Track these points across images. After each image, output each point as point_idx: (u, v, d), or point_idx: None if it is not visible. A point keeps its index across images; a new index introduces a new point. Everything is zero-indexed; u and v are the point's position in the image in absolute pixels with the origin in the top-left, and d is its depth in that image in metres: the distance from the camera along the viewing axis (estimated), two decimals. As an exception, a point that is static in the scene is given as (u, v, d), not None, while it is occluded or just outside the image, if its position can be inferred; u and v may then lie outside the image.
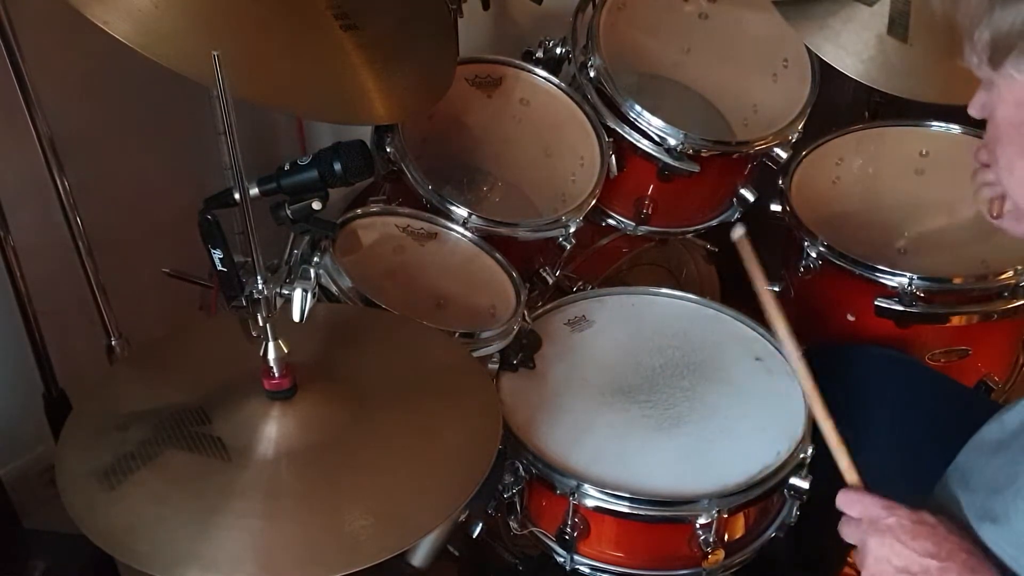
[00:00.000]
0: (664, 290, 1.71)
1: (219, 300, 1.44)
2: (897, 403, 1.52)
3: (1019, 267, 1.59)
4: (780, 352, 1.56)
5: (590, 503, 1.36)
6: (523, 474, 1.41)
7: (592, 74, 1.75)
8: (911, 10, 1.63)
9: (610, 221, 1.87)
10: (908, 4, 1.63)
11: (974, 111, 1.06)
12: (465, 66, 1.76)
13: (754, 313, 1.67)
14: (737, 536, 1.44)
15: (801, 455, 1.41)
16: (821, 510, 1.21)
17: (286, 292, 1.11)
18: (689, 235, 1.97)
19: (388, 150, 1.62)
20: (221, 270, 1.14)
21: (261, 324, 1.10)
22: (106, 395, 1.23)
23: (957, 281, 1.61)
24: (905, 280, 1.61)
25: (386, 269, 1.56)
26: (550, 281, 1.71)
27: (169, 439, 1.11)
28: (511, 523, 1.47)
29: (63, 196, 1.41)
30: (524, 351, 1.52)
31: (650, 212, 1.82)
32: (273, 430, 1.12)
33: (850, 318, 1.72)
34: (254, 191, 1.16)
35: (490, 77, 1.80)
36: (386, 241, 1.58)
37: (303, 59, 1.37)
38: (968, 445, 1.23)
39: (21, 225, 1.47)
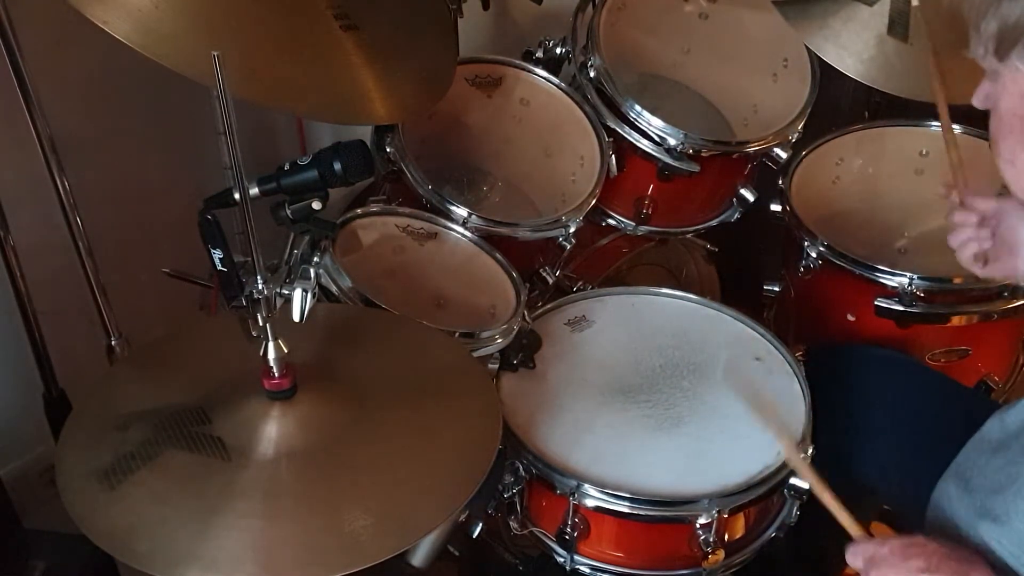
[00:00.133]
0: (664, 290, 1.71)
1: (219, 300, 1.44)
2: (897, 403, 1.52)
3: (1019, 267, 1.59)
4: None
5: (590, 503, 1.36)
6: (523, 474, 1.41)
7: (592, 74, 1.75)
8: (911, 10, 1.63)
9: (610, 221, 1.87)
10: (908, 4, 1.63)
11: (977, 102, 1.06)
12: (465, 66, 1.76)
13: (754, 313, 1.68)
14: (737, 536, 1.44)
15: (801, 455, 1.41)
16: (821, 510, 1.21)
17: (286, 292, 1.11)
18: (689, 235, 1.97)
19: (388, 150, 1.62)
20: (221, 270, 1.14)
21: (261, 324, 1.10)
22: (106, 395, 1.23)
23: (957, 281, 1.61)
24: (905, 280, 1.61)
25: (386, 269, 1.56)
26: (550, 281, 1.71)
27: (169, 439, 1.11)
28: (511, 523, 1.47)
29: (63, 196, 1.41)
30: (524, 351, 1.52)
31: (650, 212, 1.82)
32: (273, 430, 1.12)
33: (850, 318, 1.72)
34: (254, 191, 1.16)
35: (490, 77, 1.80)
36: (386, 241, 1.58)
37: (303, 59, 1.37)
38: (968, 444, 1.23)
39: (21, 225, 1.47)
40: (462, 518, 1.36)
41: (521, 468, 1.41)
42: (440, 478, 1.13)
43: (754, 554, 1.46)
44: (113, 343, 1.51)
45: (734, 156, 1.80)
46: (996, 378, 1.74)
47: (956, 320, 1.63)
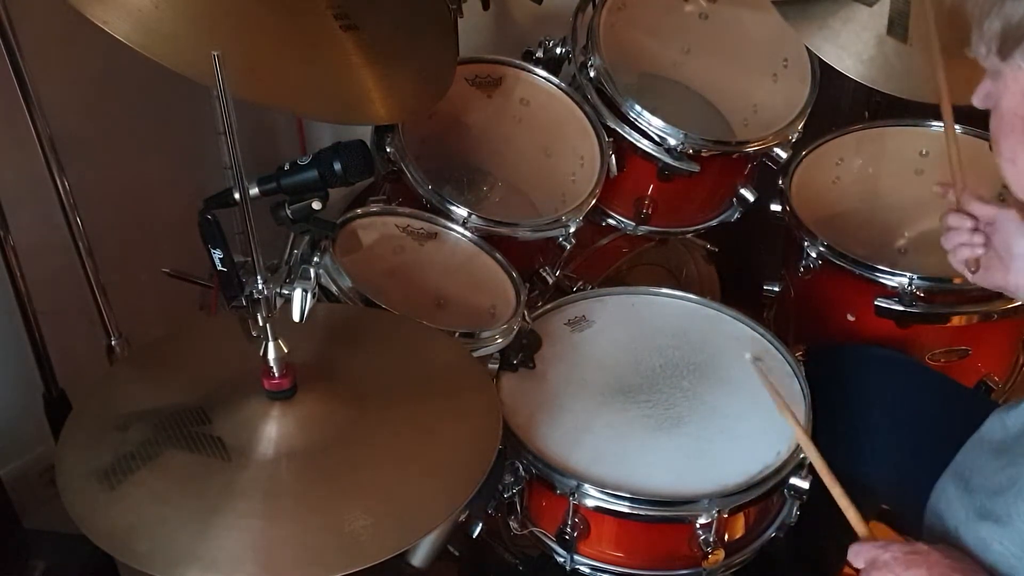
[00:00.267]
0: (664, 290, 1.71)
1: (219, 300, 1.44)
2: (897, 403, 1.52)
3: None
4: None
5: (590, 503, 1.36)
6: (523, 474, 1.41)
7: (592, 74, 1.75)
8: (911, 10, 1.63)
9: (610, 221, 1.87)
10: (908, 4, 1.63)
11: (977, 101, 1.06)
12: (465, 66, 1.76)
13: (754, 313, 1.68)
14: (737, 536, 1.44)
15: (801, 455, 1.41)
16: (821, 510, 1.21)
17: (286, 292, 1.11)
18: (689, 235, 1.97)
19: (388, 150, 1.62)
20: (221, 270, 1.14)
21: (261, 324, 1.10)
22: (106, 395, 1.23)
23: (957, 281, 1.61)
24: (905, 280, 1.61)
25: (386, 269, 1.56)
26: (550, 281, 1.71)
27: (169, 439, 1.11)
28: (511, 523, 1.47)
29: (63, 196, 1.41)
30: (524, 351, 1.52)
31: (650, 212, 1.82)
32: (273, 430, 1.12)
33: (850, 318, 1.72)
34: (254, 191, 1.16)
35: (490, 77, 1.80)
36: (386, 241, 1.58)
37: (303, 59, 1.37)
38: (968, 444, 1.23)
39: (21, 225, 1.47)
40: (462, 518, 1.36)
41: (521, 468, 1.41)
42: (440, 478, 1.13)
43: (754, 554, 1.46)
44: (113, 343, 1.51)
45: (734, 156, 1.80)
46: (996, 378, 1.74)
47: (956, 320, 1.63)
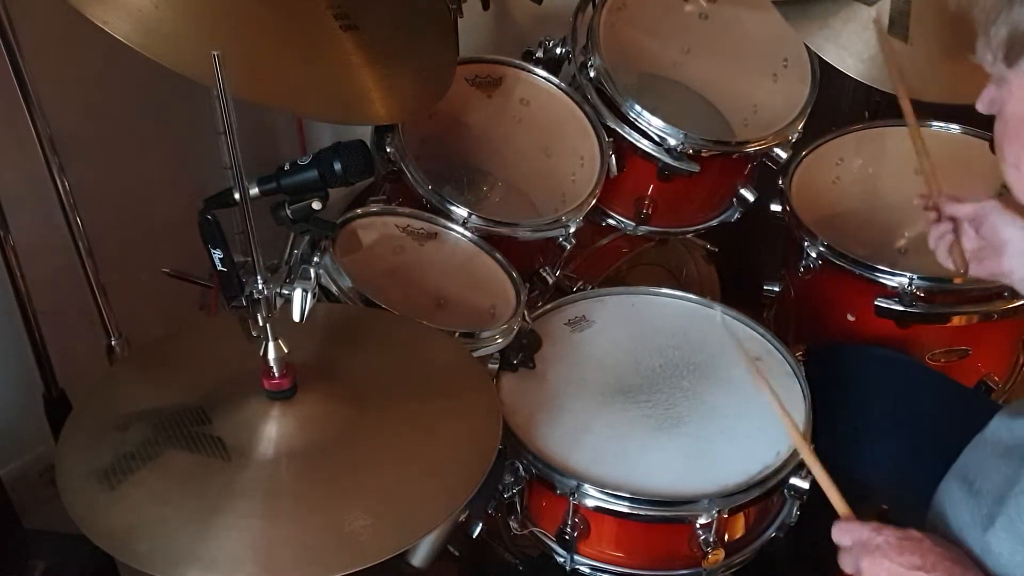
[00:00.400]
0: (664, 290, 1.71)
1: (219, 300, 1.44)
2: (897, 403, 1.52)
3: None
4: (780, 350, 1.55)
5: (590, 503, 1.36)
6: (523, 474, 1.41)
7: (592, 74, 1.75)
8: (911, 10, 1.63)
9: (610, 221, 1.87)
10: (908, 4, 1.63)
11: (982, 107, 1.06)
12: (465, 66, 1.76)
13: (754, 313, 1.68)
14: (737, 536, 1.44)
15: (801, 455, 1.41)
16: (821, 510, 1.21)
17: (286, 292, 1.11)
18: (689, 235, 1.97)
19: (388, 150, 1.62)
20: (221, 270, 1.14)
21: (261, 324, 1.10)
22: (106, 395, 1.23)
23: (957, 281, 1.61)
24: (905, 280, 1.61)
25: (386, 269, 1.56)
26: (550, 281, 1.71)
27: (169, 439, 1.11)
28: (511, 523, 1.47)
29: (63, 196, 1.41)
30: (524, 351, 1.52)
31: (650, 212, 1.82)
32: (273, 430, 1.12)
33: (850, 318, 1.72)
34: (254, 191, 1.16)
35: (490, 77, 1.80)
36: (386, 241, 1.58)
37: (303, 59, 1.37)
38: (973, 445, 1.22)
39: (21, 225, 1.47)
40: (462, 518, 1.36)
41: (521, 468, 1.41)
42: (440, 478, 1.13)
43: (754, 554, 1.46)
44: (113, 343, 1.51)
45: (734, 156, 1.80)
46: (996, 378, 1.74)
47: (956, 320, 1.63)
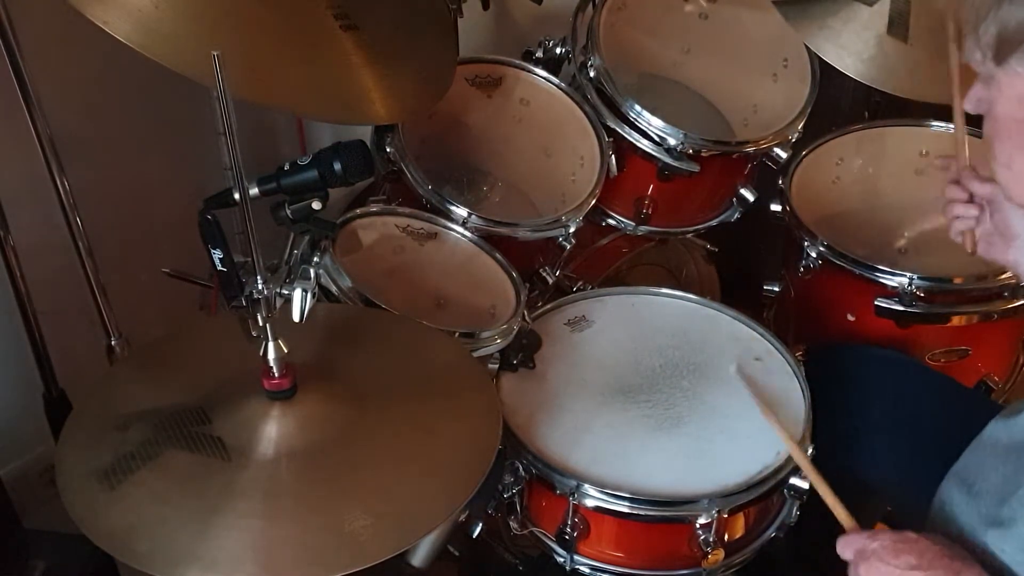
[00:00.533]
0: (664, 290, 1.71)
1: (219, 300, 1.44)
2: (897, 403, 1.52)
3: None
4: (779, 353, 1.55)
5: (590, 503, 1.36)
6: (523, 474, 1.41)
7: (592, 74, 1.75)
8: (911, 10, 1.63)
9: (610, 221, 1.87)
10: (908, 4, 1.63)
11: (970, 106, 1.06)
12: (465, 66, 1.76)
13: (754, 313, 1.68)
14: (737, 536, 1.44)
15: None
16: (821, 510, 1.21)
17: (286, 292, 1.11)
18: (689, 235, 1.97)
19: (388, 150, 1.62)
20: (221, 270, 1.14)
21: (261, 324, 1.10)
22: (106, 395, 1.23)
23: (957, 281, 1.61)
24: (905, 280, 1.61)
25: (386, 269, 1.56)
26: (550, 281, 1.71)
27: (169, 439, 1.11)
28: (511, 523, 1.47)
29: (63, 196, 1.41)
30: (524, 351, 1.52)
31: (650, 212, 1.82)
32: (273, 430, 1.12)
33: (850, 318, 1.72)
34: (254, 191, 1.16)
35: (490, 77, 1.80)
36: (386, 241, 1.58)
37: (303, 59, 1.37)
38: (972, 447, 1.22)
39: (21, 225, 1.47)
40: (462, 518, 1.36)
41: (521, 468, 1.41)
42: (440, 478, 1.13)
43: (754, 554, 1.46)
44: (113, 343, 1.51)
45: (734, 156, 1.80)
46: (996, 378, 1.74)
47: (956, 320, 1.63)
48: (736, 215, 1.89)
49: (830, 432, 1.45)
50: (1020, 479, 1.08)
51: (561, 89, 1.79)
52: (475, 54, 1.80)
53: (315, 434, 1.13)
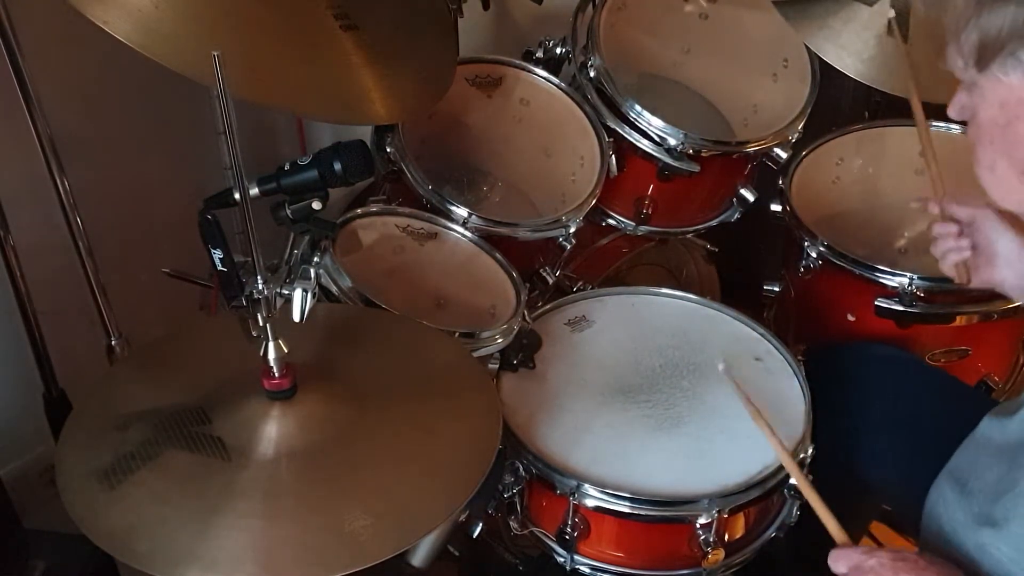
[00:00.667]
0: (664, 290, 1.71)
1: (219, 300, 1.44)
2: (897, 403, 1.52)
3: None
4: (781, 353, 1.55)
5: (590, 503, 1.36)
6: (523, 474, 1.41)
7: (592, 74, 1.75)
8: (911, 10, 1.63)
9: (610, 221, 1.87)
10: (908, 4, 1.63)
11: (953, 113, 1.08)
12: (465, 66, 1.76)
13: (754, 313, 1.68)
14: (737, 536, 1.44)
15: (801, 455, 1.41)
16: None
17: (286, 292, 1.11)
18: (689, 235, 1.97)
19: (388, 150, 1.62)
20: (221, 270, 1.14)
21: (261, 324, 1.10)
22: (106, 395, 1.23)
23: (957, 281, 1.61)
24: (905, 280, 1.61)
25: (386, 269, 1.56)
26: (550, 281, 1.71)
27: (169, 439, 1.11)
28: (511, 523, 1.47)
29: (63, 196, 1.41)
30: (524, 351, 1.52)
31: (650, 212, 1.82)
32: (273, 430, 1.12)
33: (850, 318, 1.72)
34: (254, 191, 1.16)
35: (490, 77, 1.80)
36: (386, 241, 1.58)
37: (303, 59, 1.37)
38: (965, 445, 1.23)
39: (21, 225, 1.47)
40: (462, 518, 1.36)
41: (521, 468, 1.41)
42: (440, 478, 1.13)
43: (754, 554, 1.46)
44: (113, 343, 1.51)
45: (734, 156, 1.80)
46: (996, 378, 1.74)
47: (956, 320, 1.63)
48: (736, 215, 1.89)
49: (830, 432, 1.46)
50: (1014, 478, 1.08)
51: (561, 89, 1.79)
52: (475, 54, 1.80)
53: (315, 434, 1.13)
